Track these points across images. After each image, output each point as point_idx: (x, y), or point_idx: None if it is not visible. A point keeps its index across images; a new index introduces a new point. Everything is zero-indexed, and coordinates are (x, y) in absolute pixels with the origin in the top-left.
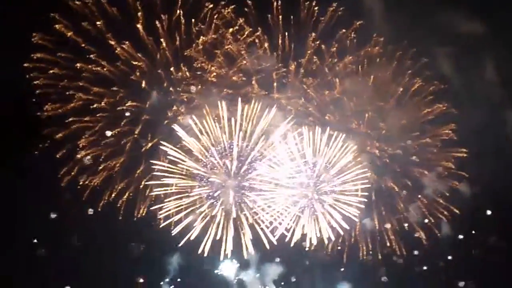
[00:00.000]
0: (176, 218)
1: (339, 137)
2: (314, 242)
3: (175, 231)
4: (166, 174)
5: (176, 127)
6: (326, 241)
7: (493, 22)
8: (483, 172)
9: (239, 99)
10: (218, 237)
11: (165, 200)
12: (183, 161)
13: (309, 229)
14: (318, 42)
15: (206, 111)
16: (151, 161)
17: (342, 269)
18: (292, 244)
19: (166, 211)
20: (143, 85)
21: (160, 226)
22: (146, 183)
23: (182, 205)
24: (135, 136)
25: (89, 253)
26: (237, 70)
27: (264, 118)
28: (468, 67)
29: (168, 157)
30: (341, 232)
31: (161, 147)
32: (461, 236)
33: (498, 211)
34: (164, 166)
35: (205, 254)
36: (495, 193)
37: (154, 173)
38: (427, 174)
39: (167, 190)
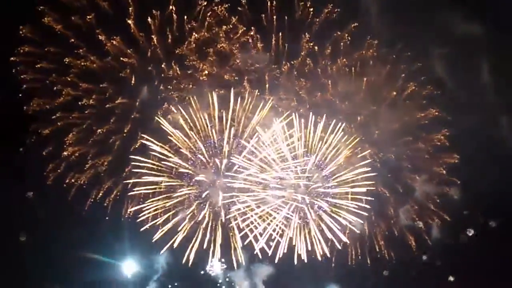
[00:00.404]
0: (160, 220)
1: (336, 128)
2: (304, 257)
3: (156, 237)
4: (152, 172)
5: (163, 121)
6: (319, 257)
7: (488, 25)
8: (475, 178)
9: (232, 92)
10: (206, 242)
11: (147, 202)
12: (168, 157)
13: (298, 241)
14: (312, 44)
15: (197, 108)
16: (131, 157)
17: (331, 273)
18: (277, 260)
19: (149, 212)
20: (133, 82)
21: (141, 230)
22: (128, 181)
23: (165, 206)
24: (124, 134)
25: (75, 252)
26: (229, 69)
27: (257, 115)
28: (462, 72)
29: (154, 153)
30: (339, 246)
31: (143, 141)
32: (450, 241)
33: (489, 216)
34: (148, 163)
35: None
36: (487, 199)
37: (136, 170)
38: (418, 179)
39: (151, 189)
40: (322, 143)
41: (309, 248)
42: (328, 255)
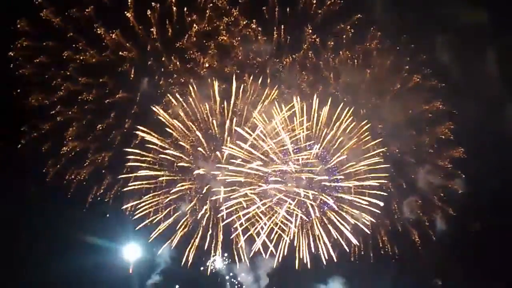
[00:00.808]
0: (161, 215)
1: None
2: (307, 260)
3: (153, 236)
4: (153, 167)
5: (161, 112)
6: (324, 261)
7: (493, 17)
8: (479, 171)
9: (233, 82)
10: (208, 237)
11: (147, 196)
12: (168, 150)
13: (300, 241)
14: (314, 36)
15: (197, 99)
16: (129, 150)
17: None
18: (277, 262)
19: (150, 207)
20: (133, 76)
21: (141, 226)
22: (129, 175)
23: (165, 201)
24: (125, 130)
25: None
26: (230, 63)
27: (259, 105)
28: (466, 64)
29: (153, 147)
30: (347, 249)
31: (141, 133)
32: (455, 236)
33: (493, 210)
34: (149, 157)
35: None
36: (491, 192)
37: (136, 164)
38: (422, 173)
39: (152, 183)
40: (326, 132)
41: (313, 250)
42: (335, 258)
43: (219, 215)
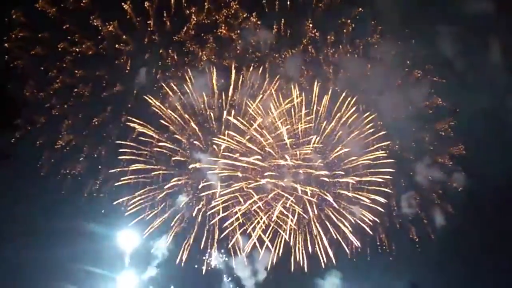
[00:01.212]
0: (158, 210)
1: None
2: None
3: (147, 231)
4: (149, 160)
5: (155, 102)
6: (323, 265)
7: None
8: (479, 168)
9: (233, 73)
10: (205, 232)
11: (143, 191)
12: (163, 142)
13: (296, 241)
14: (315, 30)
15: (194, 89)
16: (119, 142)
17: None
18: (269, 267)
19: (145, 202)
20: (130, 69)
21: (131, 223)
22: (125, 169)
23: (161, 196)
24: (121, 124)
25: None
26: (229, 56)
27: (257, 100)
28: (469, 59)
29: (149, 140)
30: (347, 251)
31: (135, 125)
32: (453, 233)
33: (493, 207)
34: (145, 151)
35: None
36: (493, 189)
37: (133, 157)
38: (422, 169)
39: (148, 178)
40: (325, 125)
41: (310, 250)
42: (333, 258)
43: (215, 210)
